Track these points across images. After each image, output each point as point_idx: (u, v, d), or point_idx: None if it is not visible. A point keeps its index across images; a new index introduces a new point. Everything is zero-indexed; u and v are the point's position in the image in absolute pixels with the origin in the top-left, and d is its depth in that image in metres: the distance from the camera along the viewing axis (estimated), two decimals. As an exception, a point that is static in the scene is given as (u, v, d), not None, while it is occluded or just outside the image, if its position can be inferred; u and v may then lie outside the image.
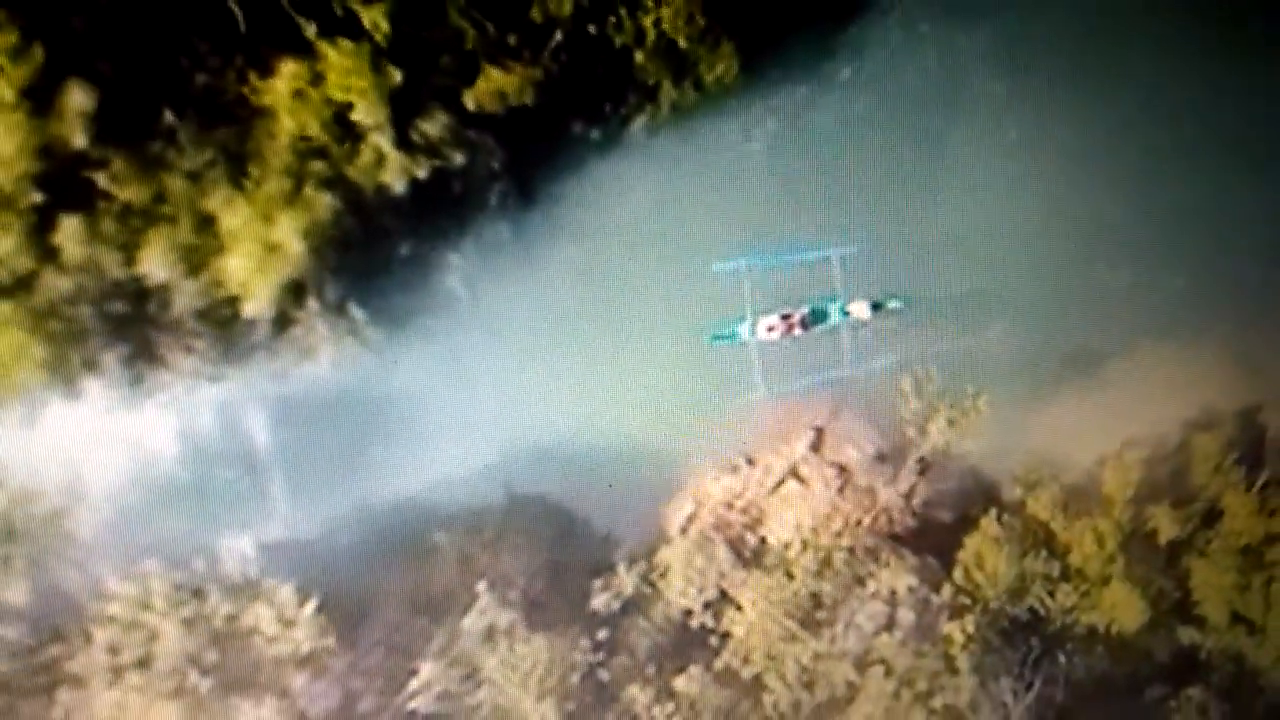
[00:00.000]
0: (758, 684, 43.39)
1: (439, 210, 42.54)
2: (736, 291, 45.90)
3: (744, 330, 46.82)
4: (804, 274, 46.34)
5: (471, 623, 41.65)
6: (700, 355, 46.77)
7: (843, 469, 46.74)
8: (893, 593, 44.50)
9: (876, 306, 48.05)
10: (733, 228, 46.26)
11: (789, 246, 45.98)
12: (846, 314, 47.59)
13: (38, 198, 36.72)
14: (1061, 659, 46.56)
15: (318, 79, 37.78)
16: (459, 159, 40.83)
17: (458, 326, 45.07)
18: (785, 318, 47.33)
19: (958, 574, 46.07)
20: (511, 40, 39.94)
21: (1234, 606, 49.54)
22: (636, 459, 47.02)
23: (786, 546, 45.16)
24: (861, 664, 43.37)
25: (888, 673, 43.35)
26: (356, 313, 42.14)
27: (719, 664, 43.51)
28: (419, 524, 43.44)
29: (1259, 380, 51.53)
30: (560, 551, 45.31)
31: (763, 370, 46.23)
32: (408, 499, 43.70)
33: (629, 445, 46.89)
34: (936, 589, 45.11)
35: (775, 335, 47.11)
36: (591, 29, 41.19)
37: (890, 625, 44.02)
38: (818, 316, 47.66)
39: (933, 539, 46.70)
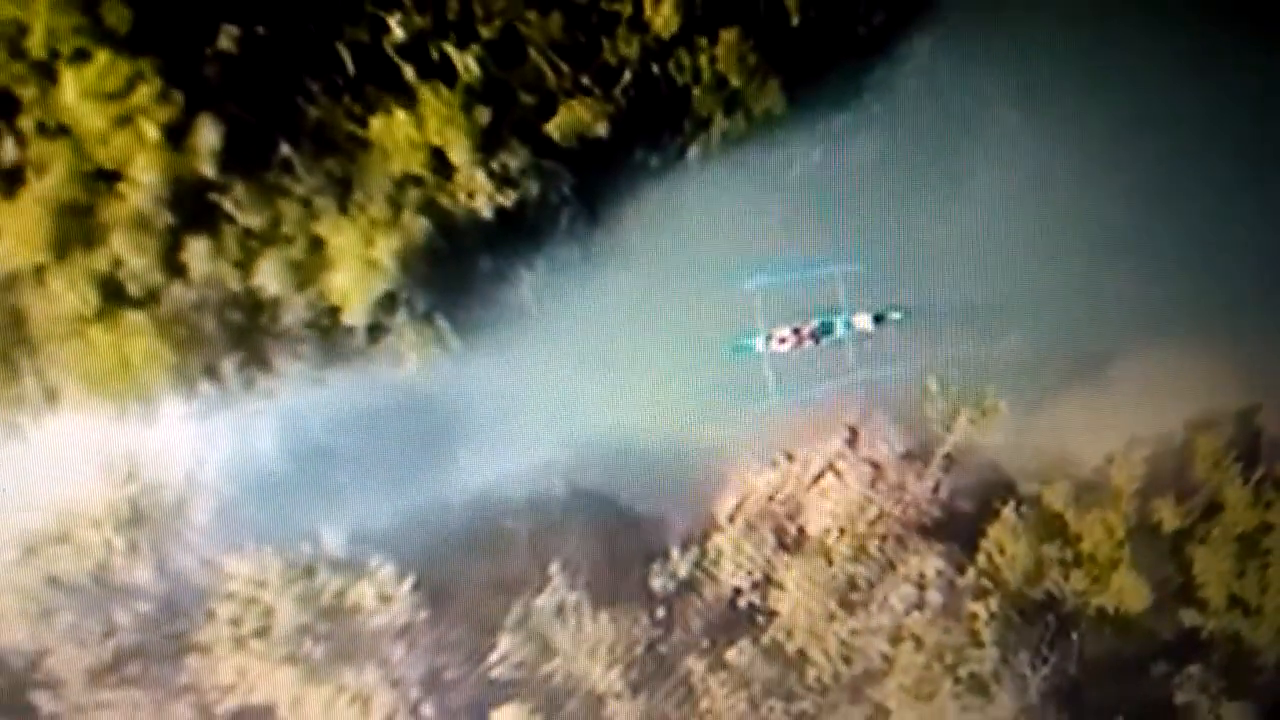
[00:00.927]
0: (801, 657, 48.20)
1: (516, 231, 47.52)
2: (759, 305, 50.13)
3: (759, 342, 51.78)
4: (818, 288, 51.05)
5: (544, 601, 46.49)
6: (725, 364, 51.33)
7: (875, 465, 51.29)
8: (921, 576, 49.16)
9: (879, 318, 52.49)
10: (764, 247, 51.45)
11: (799, 264, 50.62)
12: (851, 326, 52.14)
13: (170, 220, 42.05)
14: (1074, 637, 50.49)
15: (418, 119, 43.01)
16: (536, 187, 46.11)
17: (526, 335, 49.85)
18: (796, 331, 51.86)
19: (980, 559, 50.09)
20: (586, 80, 45.22)
21: (1232, 590, 53.17)
22: (681, 455, 52.14)
23: (825, 534, 50.05)
24: (895, 639, 47.95)
25: (918, 647, 48.11)
26: (441, 323, 47.09)
27: (766, 639, 48.39)
28: (494, 512, 48.35)
29: (1256, 383, 55.36)
30: (618, 538, 50.20)
31: (775, 378, 50.84)
32: (483, 490, 48.49)
33: (672, 443, 51.96)
34: (961, 573, 49.65)
35: (786, 347, 52.18)
36: (655, 68, 46.46)
37: (920, 605, 48.54)
38: (825, 329, 52.06)
39: (957, 528, 50.83)
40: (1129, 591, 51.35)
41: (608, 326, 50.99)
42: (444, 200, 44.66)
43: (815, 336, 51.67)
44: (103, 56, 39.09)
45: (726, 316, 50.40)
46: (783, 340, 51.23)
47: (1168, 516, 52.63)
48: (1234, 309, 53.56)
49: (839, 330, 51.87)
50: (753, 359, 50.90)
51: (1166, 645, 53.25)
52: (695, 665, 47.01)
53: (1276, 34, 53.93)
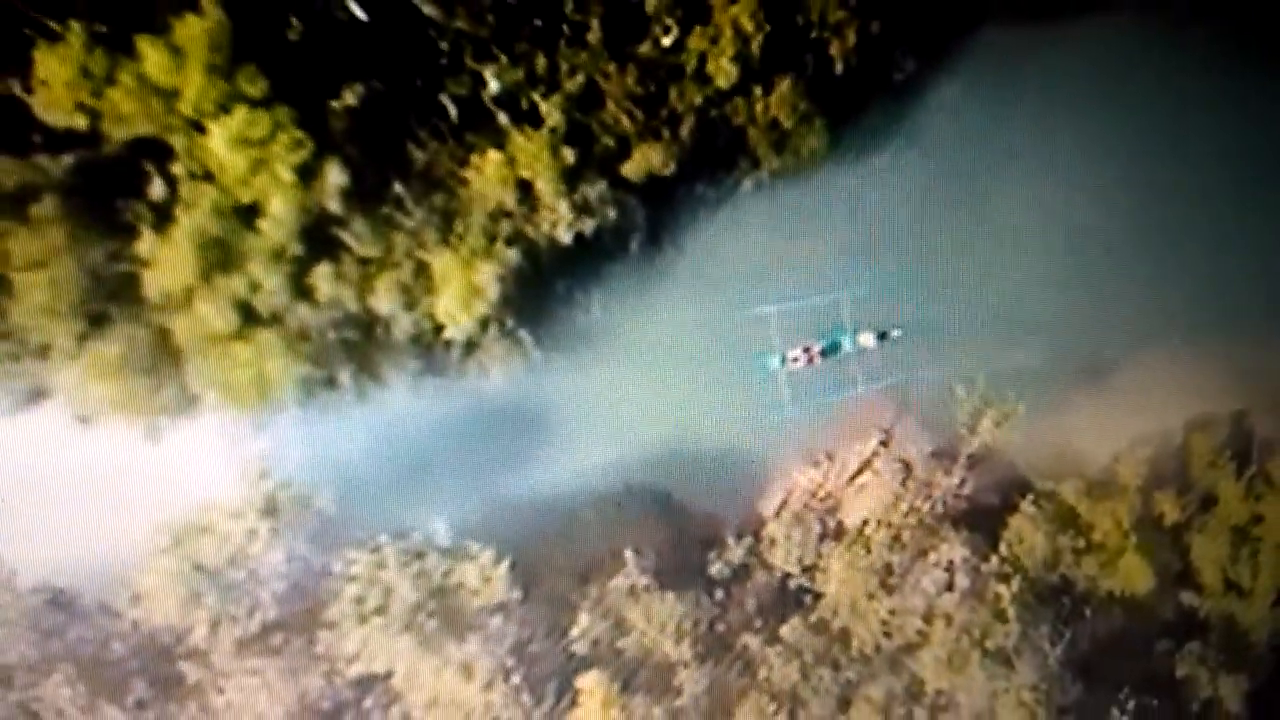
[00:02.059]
0: (845, 632, 54.51)
1: (590, 256, 54.24)
2: (783, 326, 56.41)
3: (774, 361, 57.62)
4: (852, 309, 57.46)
5: (618, 583, 52.96)
6: (754, 377, 57.63)
7: (906, 464, 57.37)
8: (950, 562, 55.28)
9: (881, 336, 58.69)
10: (796, 272, 57.79)
11: (812, 289, 56.34)
12: (856, 343, 58.16)
13: (299, 250, 48.65)
14: (1087, 615, 56.82)
15: (511, 161, 49.65)
16: (612, 216, 52.72)
17: (595, 349, 56.40)
18: (806, 349, 58.00)
19: (1002, 547, 56.06)
20: (656, 124, 51.94)
21: (1226, 575, 59.37)
22: (730, 456, 58.45)
23: (863, 525, 56.47)
24: (928, 617, 54.01)
25: (949, 624, 54.23)
26: (525, 338, 53.72)
27: (814, 617, 54.69)
28: (572, 505, 54.76)
29: (1247, 389, 61.95)
30: (680, 529, 56.56)
31: (790, 391, 57.01)
32: (561, 485, 54.85)
33: (722, 445, 58.30)
34: (985, 559, 55.75)
35: (800, 364, 58.60)
36: (715, 113, 53.16)
37: (949, 587, 54.58)
38: (833, 347, 58.25)
39: (981, 519, 56.82)
40: (1135, 576, 57.60)
41: (662, 342, 57.46)
42: (530, 230, 51.22)
43: (824, 353, 57.76)
44: (242, 111, 45.75)
45: (760, 334, 56.85)
46: (795, 359, 57.26)
47: (1168, 509, 59.02)
48: (1226, 325, 60.05)
49: (846, 347, 58.02)
50: (772, 375, 57.16)
51: (1168, 624, 59.64)
52: (752, 640, 53.38)
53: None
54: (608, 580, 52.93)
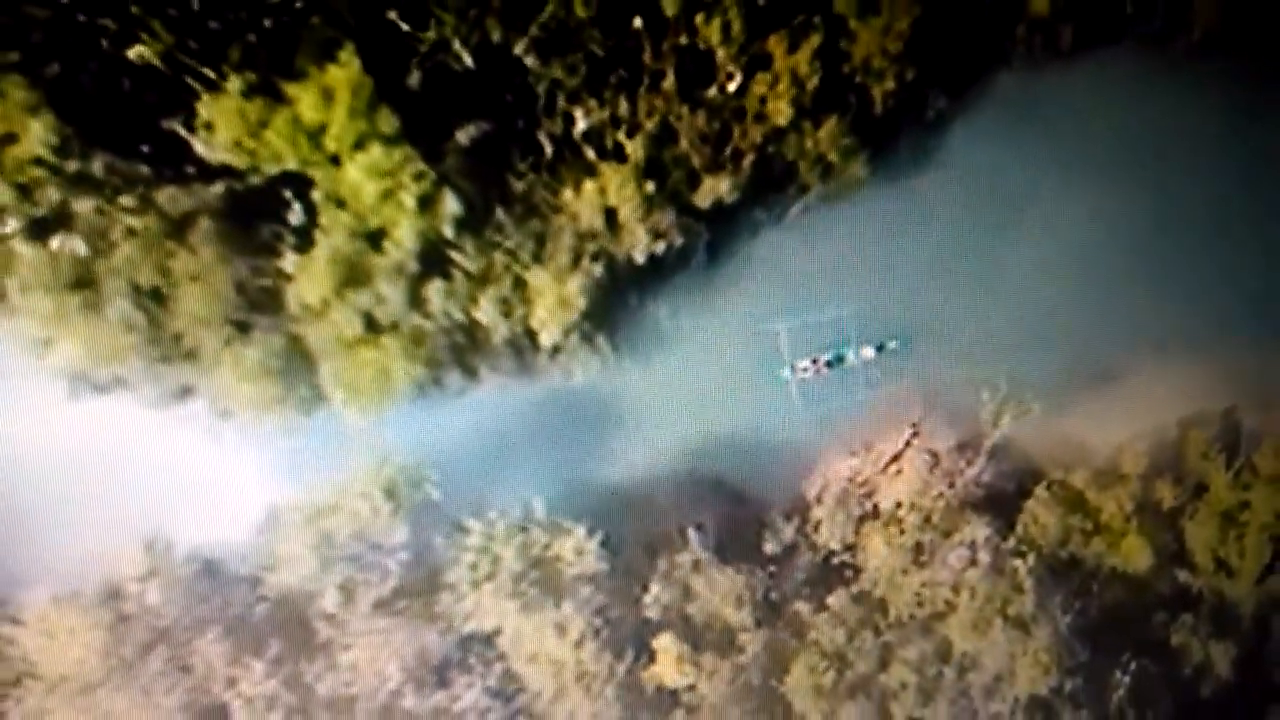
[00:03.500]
0: (883, 602, 62.85)
1: (658, 272, 62.47)
2: (795, 339, 64.28)
3: (786, 371, 65.16)
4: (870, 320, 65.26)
5: (684, 557, 61.23)
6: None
7: (934, 454, 65.03)
8: (973, 541, 63.03)
9: (880, 348, 66.52)
10: (830, 288, 65.98)
11: (831, 304, 64.03)
12: (858, 355, 65.66)
13: (416, 268, 56.84)
14: (1094, 588, 64.95)
15: (601, 191, 57.91)
16: (680, 239, 60.97)
17: (661, 352, 64.61)
18: (814, 361, 65.74)
19: (1019, 528, 64.00)
20: (721, 158, 60.20)
21: (1216, 555, 66.66)
22: (776, 447, 66.65)
23: (896, 508, 64.77)
24: (955, 588, 61.75)
25: (973, 595, 62.13)
26: (603, 342, 61.83)
27: (855, 588, 62.80)
28: (643, 489, 63.06)
29: (1236, 389, 69.42)
30: (736, 510, 64.73)
31: (801, 397, 64.93)
32: (634, 471, 63.13)
33: (768, 437, 66.64)
34: (1004, 539, 63.45)
35: (809, 374, 66.31)
36: (771, 148, 61.40)
37: (973, 563, 62.27)
38: (838, 358, 65.96)
39: (1000, 504, 64.66)
40: (1135, 554, 65.28)
41: (717, 347, 65.51)
42: (611, 250, 59.42)
43: (830, 364, 65.47)
44: (376, 147, 53.94)
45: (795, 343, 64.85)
46: (805, 369, 65.02)
47: (1165, 495, 66.32)
48: (1216, 332, 67.87)
49: (850, 358, 65.68)
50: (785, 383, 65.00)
51: (1165, 598, 67.50)
52: (802, 607, 61.67)
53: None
54: (675, 555, 61.25)
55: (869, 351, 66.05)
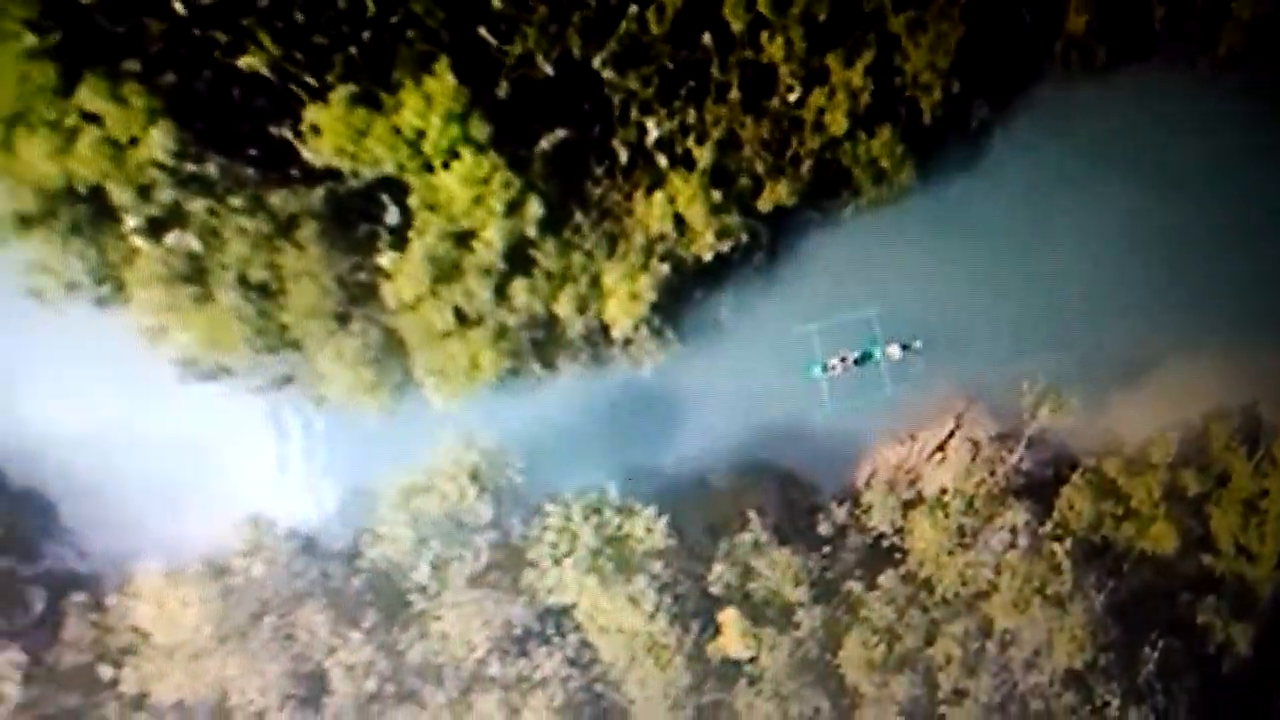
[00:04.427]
0: (930, 581, 67.37)
1: (722, 269, 67.10)
2: (833, 336, 68.75)
3: (816, 369, 69.71)
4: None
5: (744, 538, 65.63)
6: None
7: (976, 443, 69.88)
8: (1014, 525, 67.35)
9: (905, 347, 70.60)
10: (867, 288, 70.66)
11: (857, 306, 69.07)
12: (884, 354, 69.97)
13: (502, 266, 61.38)
14: (1124, 570, 69.25)
15: (672, 198, 62.49)
16: (745, 239, 65.60)
17: (722, 345, 69.16)
18: (843, 359, 70.16)
19: (1055, 513, 68.11)
20: (782, 164, 64.80)
21: (1238, 540, 70.90)
22: (828, 435, 71.24)
23: (942, 494, 69.44)
24: (997, 569, 66.11)
25: (1013, 576, 66.57)
26: (670, 335, 66.30)
27: (904, 569, 67.32)
28: (706, 473, 67.72)
29: (1256, 385, 73.68)
30: (791, 494, 69.54)
31: (830, 392, 69.38)
32: (698, 456, 67.69)
33: (820, 426, 71.33)
34: (1042, 523, 67.59)
35: (838, 371, 70.41)
36: (828, 155, 66.05)
37: (1013, 545, 66.82)
38: (866, 356, 70.24)
39: (1038, 490, 68.93)
40: (1163, 539, 69.42)
41: (773, 340, 70.09)
42: (680, 250, 64.05)
43: (858, 361, 69.76)
44: (468, 154, 58.49)
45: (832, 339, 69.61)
46: (833, 367, 69.26)
47: (1191, 483, 70.38)
48: (1239, 332, 72.37)
49: (877, 356, 69.91)
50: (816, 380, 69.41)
51: (1190, 580, 71.96)
52: (855, 586, 66.14)
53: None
54: (736, 536, 65.79)
55: (895, 350, 70.63)
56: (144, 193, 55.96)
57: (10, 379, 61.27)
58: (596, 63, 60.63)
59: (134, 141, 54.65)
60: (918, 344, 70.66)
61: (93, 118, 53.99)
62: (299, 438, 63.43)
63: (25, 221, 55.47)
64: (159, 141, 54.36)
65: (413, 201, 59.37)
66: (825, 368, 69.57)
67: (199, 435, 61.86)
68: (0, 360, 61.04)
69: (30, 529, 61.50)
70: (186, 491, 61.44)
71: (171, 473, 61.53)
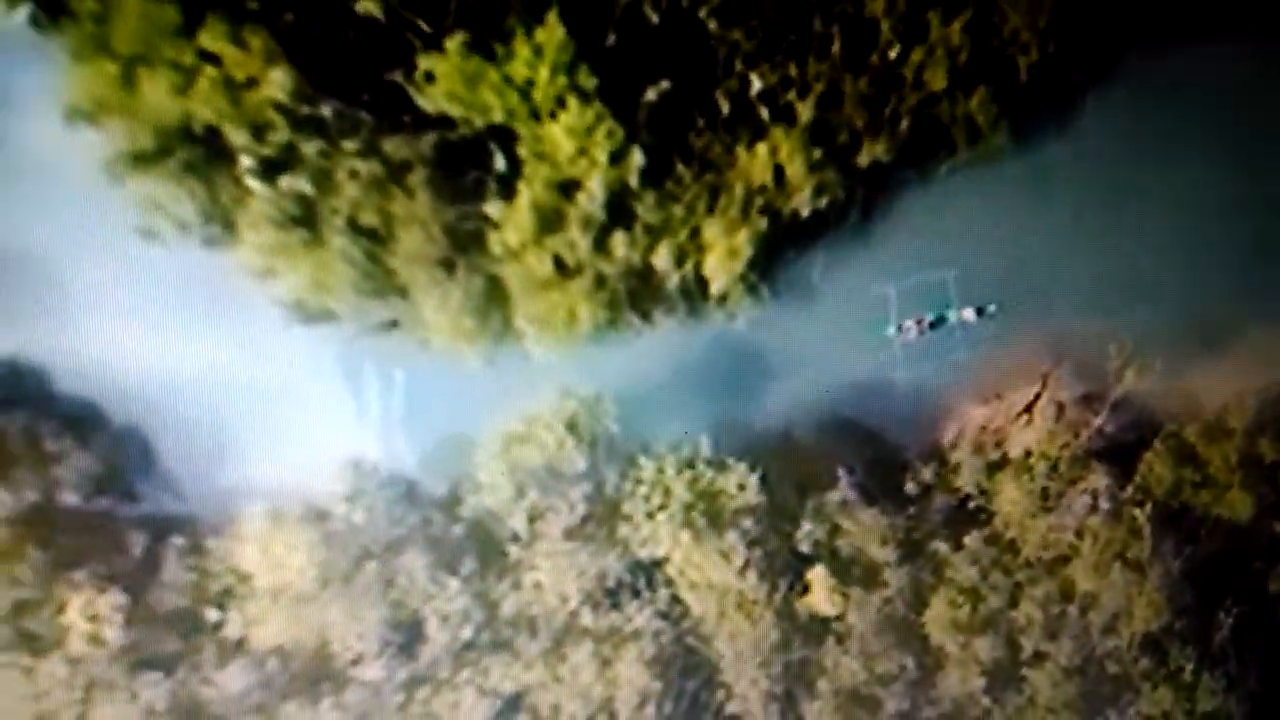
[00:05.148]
0: (1014, 543, 69.10)
1: (817, 225, 68.01)
2: (913, 296, 70.61)
3: (891, 330, 71.83)
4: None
5: (832, 496, 67.16)
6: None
7: (1061, 405, 71.55)
8: (1095, 490, 69.70)
9: (980, 312, 73.11)
10: (951, 248, 71.79)
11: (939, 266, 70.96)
12: (959, 317, 71.87)
13: (603, 217, 62.14)
14: (1201, 536, 71.80)
15: (774, 150, 63.28)
16: (841, 196, 66.45)
17: (813, 302, 70.37)
18: (918, 321, 72.27)
19: (1137, 478, 70.18)
20: (881, 120, 65.58)
21: None
22: (913, 394, 72.56)
23: (1027, 455, 70.77)
24: (1079, 532, 68.50)
25: (1095, 540, 68.87)
26: (763, 291, 67.41)
27: (988, 530, 69.18)
28: (796, 430, 69.09)
29: None
30: (876, 453, 70.87)
31: (906, 354, 71.30)
32: (784, 411, 69.10)
33: (904, 384, 72.53)
34: (1123, 488, 69.66)
35: (912, 334, 72.17)
36: (926, 113, 66.85)
37: (1095, 509, 69.17)
38: (940, 320, 72.39)
39: (1120, 454, 70.72)
40: (1239, 505, 71.31)
41: (862, 298, 71.31)
42: (778, 205, 65.00)
43: (933, 325, 71.46)
44: (575, 104, 59.16)
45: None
46: (907, 329, 71.11)
47: (1267, 450, 71.73)
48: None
49: (951, 319, 71.69)
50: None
51: (1264, 547, 73.29)
52: (941, 546, 67.80)
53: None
54: (824, 493, 67.07)
55: (969, 314, 71.66)
56: (259, 134, 56.78)
57: (115, 318, 61.90)
58: (702, 13, 61.32)
59: (252, 82, 55.27)
60: (992, 309, 71.63)
61: (212, 58, 54.47)
62: (399, 384, 64.25)
63: (140, 160, 56.04)
64: (277, 82, 55.17)
65: (521, 150, 60.03)
66: (900, 329, 70.51)
67: (301, 380, 62.69)
68: (105, 299, 61.64)
69: (130, 469, 62.45)
70: (287, 435, 62.45)
71: (272, 416, 62.42)
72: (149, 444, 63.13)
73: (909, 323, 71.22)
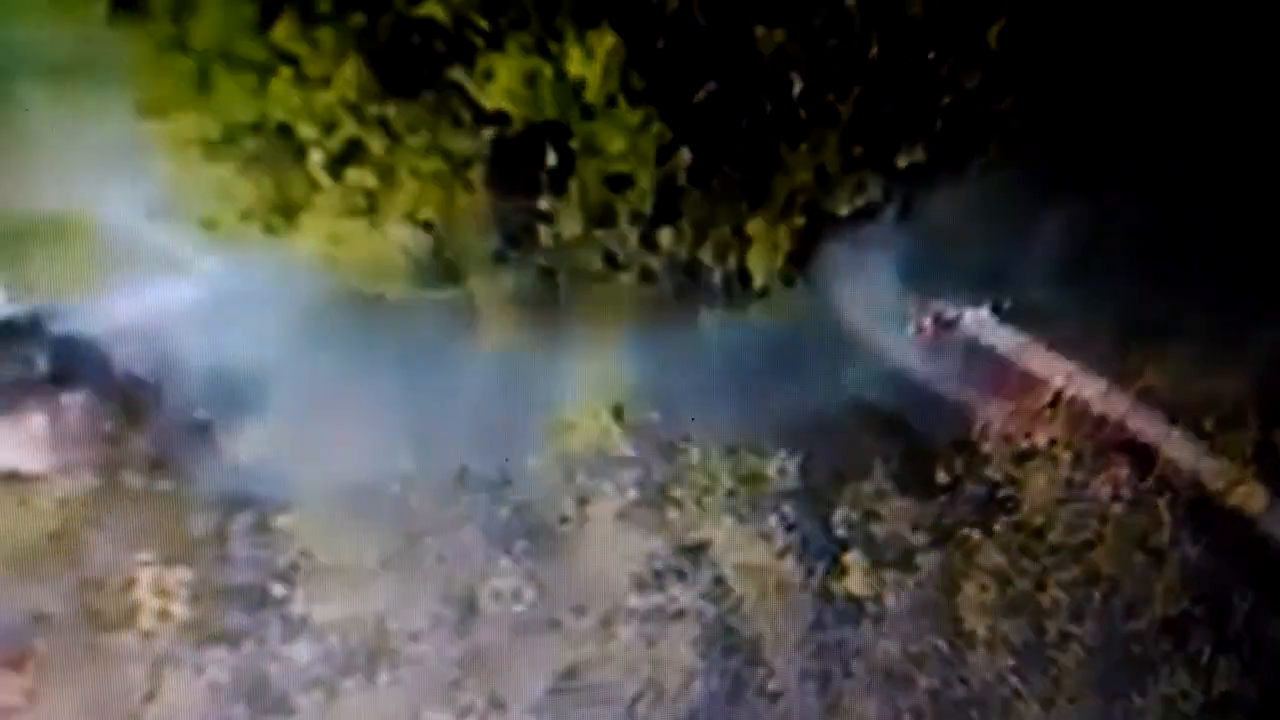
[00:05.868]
0: (1040, 530, 72.47)
1: (854, 223, 71.06)
2: (931, 293, 71.92)
3: (910, 328, 74.85)
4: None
5: (867, 486, 70.27)
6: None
7: (1083, 399, 75.19)
8: (1117, 478, 73.21)
9: (996, 309, 76.42)
10: (973, 245, 74.68)
11: (959, 262, 73.88)
12: (975, 315, 73.29)
13: (651, 213, 65.18)
14: (1218, 525, 75.57)
15: (813, 147, 66.46)
16: (879, 195, 69.57)
17: (845, 295, 73.25)
18: (935, 318, 75.04)
19: (1157, 469, 75.01)
20: (919, 121, 68.75)
21: None
22: (938, 386, 75.68)
23: (1050, 446, 74.03)
24: (1102, 521, 72.32)
25: (1117, 527, 72.26)
26: (801, 284, 70.47)
27: (1017, 518, 72.52)
28: (830, 416, 72.05)
29: None
30: (906, 442, 73.85)
31: (927, 349, 72.05)
32: (819, 399, 71.99)
33: (925, 380, 75.36)
34: (1143, 478, 73.75)
35: (929, 331, 75.23)
36: (962, 113, 69.98)
37: (1117, 498, 72.79)
38: (956, 317, 75.67)
39: (1141, 446, 75.13)
40: (1253, 496, 74.68)
41: (887, 294, 74.36)
42: (819, 202, 68.17)
43: (947, 323, 75.29)
44: (625, 104, 62.22)
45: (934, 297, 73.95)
46: (921, 327, 74.49)
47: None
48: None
49: (966, 317, 75.13)
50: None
51: (1276, 539, 77.72)
52: (971, 533, 70.83)
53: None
54: (859, 481, 70.10)
55: (985, 312, 74.82)
56: (328, 130, 59.32)
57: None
58: (746, 17, 64.21)
59: (324, 80, 57.96)
60: (1007, 305, 74.75)
61: (287, 56, 57.22)
62: (452, 367, 67.12)
63: (210, 148, 58.68)
64: (349, 80, 57.68)
65: (575, 145, 62.95)
66: (918, 328, 73.81)
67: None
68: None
69: (195, 445, 64.97)
70: (349, 415, 64.89)
71: (332, 397, 65.05)
72: (210, 424, 65.66)
73: (926, 320, 74.15)
